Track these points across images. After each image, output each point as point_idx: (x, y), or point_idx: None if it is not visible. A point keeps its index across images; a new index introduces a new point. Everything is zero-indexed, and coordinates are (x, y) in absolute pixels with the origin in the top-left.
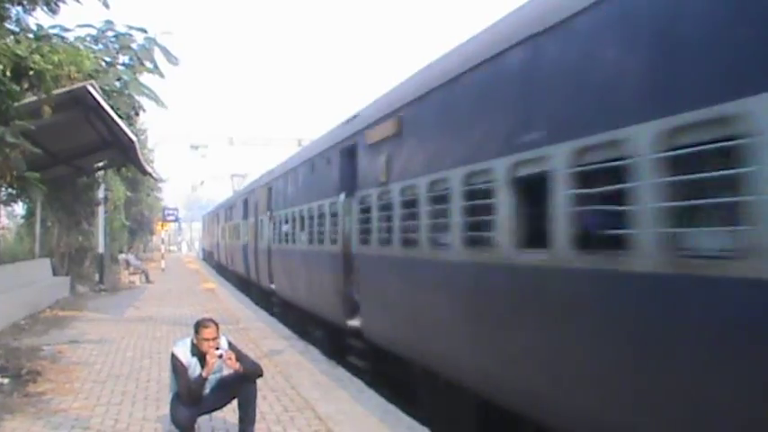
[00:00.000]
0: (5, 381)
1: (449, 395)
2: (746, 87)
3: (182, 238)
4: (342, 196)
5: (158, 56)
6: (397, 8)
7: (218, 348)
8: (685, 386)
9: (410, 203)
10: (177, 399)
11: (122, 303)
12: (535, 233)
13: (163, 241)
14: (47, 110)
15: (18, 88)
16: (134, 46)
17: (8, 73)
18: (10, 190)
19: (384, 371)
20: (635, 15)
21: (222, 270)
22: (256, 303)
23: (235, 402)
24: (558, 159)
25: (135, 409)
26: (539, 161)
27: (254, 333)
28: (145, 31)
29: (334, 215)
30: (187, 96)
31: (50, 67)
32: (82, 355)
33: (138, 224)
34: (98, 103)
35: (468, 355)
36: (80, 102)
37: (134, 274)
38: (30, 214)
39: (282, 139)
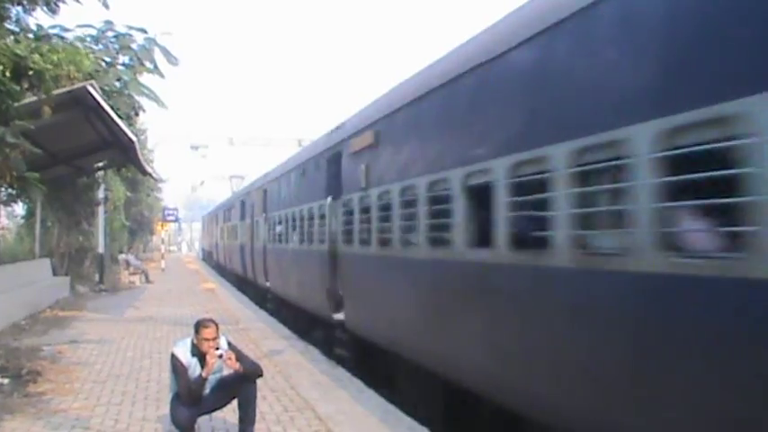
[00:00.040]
0: (5, 381)
1: (421, 380)
2: (633, 116)
3: (182, 239)
4: (329, 199)
5: (158, 56)
6: (397, 8)
7: (218, 348)
8: (583, 358)
9: (385, 207)
10: (177, 399)
11: (122, 303)
12: (481, 234)
13: (163, 241)
14: (47, 110)
15: (18, 88)
16: (134, 46)
17: (8, 73)
18: (10, 190)
19: (366, 360)
20: (549, 60)
21: (221, 269)
22: (257, 305)
23: (235, 402)
24: (498, 171)
25: (135, 409)
26: (484, 173)
27: (254, 333)
28: (145, 32)
29: (321, 217)
30: (187, 97)
31: (50, 66)
32: (82, 355)
33: (138, 224)
34: (98, 103)
35: (430, 342)
36: (80, 102)
37: (134, 274)
38: (30, 214)
39: (282, 140)
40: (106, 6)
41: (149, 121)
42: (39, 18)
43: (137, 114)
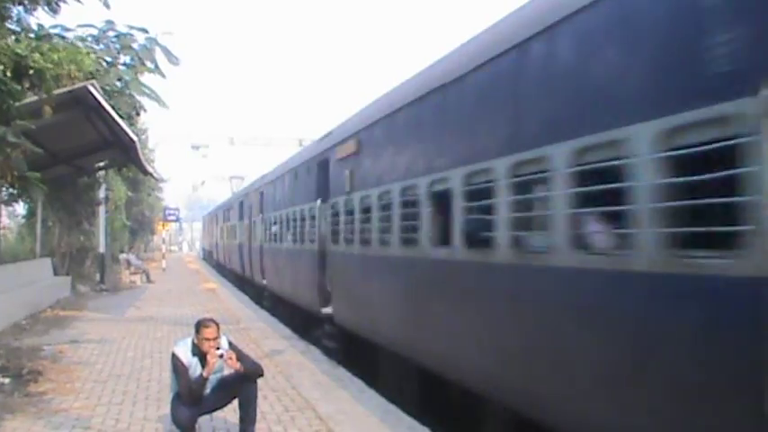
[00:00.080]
0: (6, 380)
1: (399, 367)
2: (554, 137)
3: (182, 238)
4: (318, 202)
5: (159, 56)
6: (398, 8)
7: (218, 348)
8: (517, 337)
9: (366, 209)
10: (178, 399)
11: (123, 303)
12: (442, 235)
13: (164, 241)
14: (48, 110)
15: (19, 88)
16: (135, 46)
17: (9, 73)
18: (11, 190)
19: (353, 352)
20: (487, 90)
21: (221, 268)
22: (256, 303)
23: (235, 402)
24: (455, 180)
25: (136, 408)
26: (444, 181)
27: (255, 333)
28: (146, 32)
29: (312, 218)
30: (188, 96)
31: (50, 65)
32: (83, 354)
33: (139, 224)
34: (99, 102)
35: (403, 332)
36: (81, 101)
37: (135, 273)
38: (31, 214)
39: (283, 139)
40: (107, 6)
41: (150, 120)
42: (40, 18)
43: (138, 114)
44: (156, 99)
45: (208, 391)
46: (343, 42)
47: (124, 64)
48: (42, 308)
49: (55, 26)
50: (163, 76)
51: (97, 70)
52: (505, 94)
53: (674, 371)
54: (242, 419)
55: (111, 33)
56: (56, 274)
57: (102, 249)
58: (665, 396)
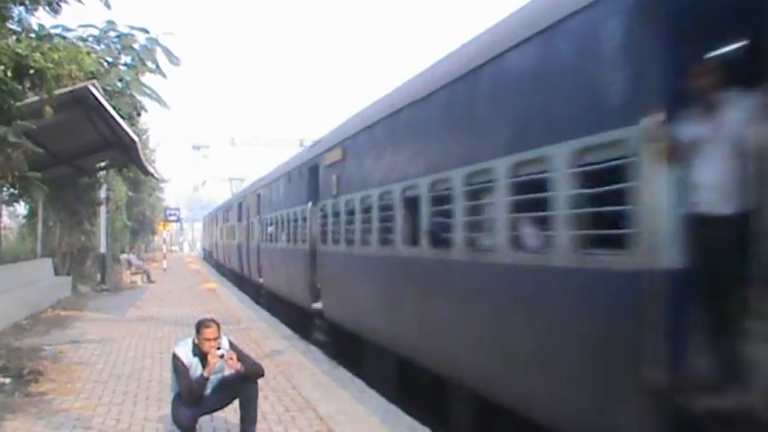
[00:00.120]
0: (7, 381)
1: (380, 356)
2: (495, 153)
3: (183, 239)
4: (309, 204)
5: (160, 56)
6: (398, 7)
7: (219, 348)
8: (473, 323)
9: (350, 212)
10: (179, 399)
11: (124, 303)
12: (412, 235)
13: (165, 241)
14: (48, 110)
15: (20, 88)
16: (136, 46)
17: (9, 73)
18: (12, 190)
19: (341, 343)
20: (442, 112)
21: (221, 268)
22: (256, 302)
23: (236, 402)
24: (422, 187)
25: (136, 409)
26: (414, 187)
27: (256, 333)
28: (147, 32)
29: (304, 219)
30: (189, 97)
31: (51, 65)
32: (83, 355)
33: (139, 224)
34: (100, 103)
35: (381, 323)
36: (82, 102)
37: (136, 273)
38: (31, 214)
39: (284, 140)
40: (108, 6)
41: (151, 121)
42: (41, 18)
43: (139, 114)
44: (157, 99)
45: (208, 391)
46: (344, 43)
47: (125, 64)
48: (43, 308)
49: (56, 26)
50: (164, 76)
51: (98, 70)
52: (461, 118)
53: (584, 345)
54: (242, 420)
55: (112, 33)
56: (57, 274)
57: (102, 249)
58: (579, 367)
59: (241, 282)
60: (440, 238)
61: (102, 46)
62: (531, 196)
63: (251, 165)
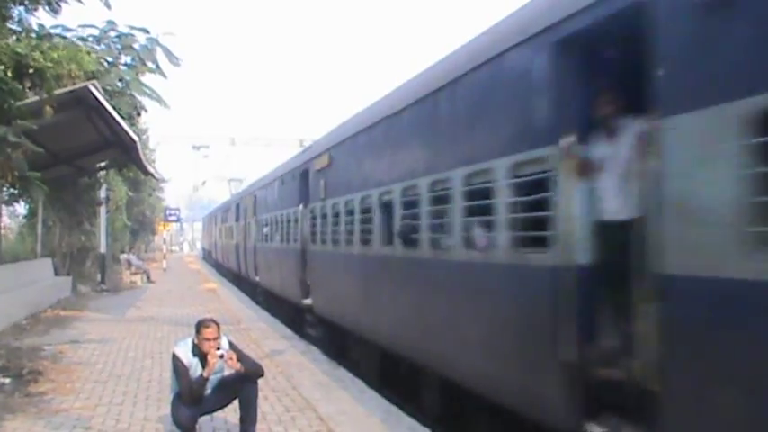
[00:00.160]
0: (7, 381)
1: (366, 348)
2: (453, 165)
3: (183, 239)
4: (301, 207)
5: (160, 56)
6: (399, 8)
7: (219, 348)
8: (434, 311)
9: (336, 214)
10: (178, 399)
11: (124, 303)
12: (388, 235)
13: (165, 241)
14: (48, 109)
15: (20, 87)
16: (136, 46)
17: (9, 72)
18: (12, 190)
19: (330, 337)
20: (416, 125)
21: (220, 267)
22: (255, 301)
23: (236, 402)
24: (395, 193)
25: (136, 409)
26: (389, 193)
27: (256, 333)
28: (147, 32)
29: (296, 221)
30: (189, 97)
31: (50, 64)
32: (83, 354)
33: (139, 224)
34: (100, 102)
35: (362, 316)
36: (82, 101)
37: (136, 274)
38: (31, 214)
39: (284, 140)
40: (108, 6)
41: (151, 120)
42: (40, 18)
43: (138, 114)
44: (157, 99)
45: (208, 391)
46: (344, 43)
47: (125, 64)
48: (43, 308)
49: (56, 26)
50: (164, 76)
51: (98, 70)
52: (425, 132)
53: (518, 329)
54: (242, 420)
55: (112, 33)
56: (56, 274)
57: (102, 249)
58: (515, 348)
59: (239, 281)
60: (409, 238)
61: (102, 46)
62: (479, 202)
63: (251, 165)
